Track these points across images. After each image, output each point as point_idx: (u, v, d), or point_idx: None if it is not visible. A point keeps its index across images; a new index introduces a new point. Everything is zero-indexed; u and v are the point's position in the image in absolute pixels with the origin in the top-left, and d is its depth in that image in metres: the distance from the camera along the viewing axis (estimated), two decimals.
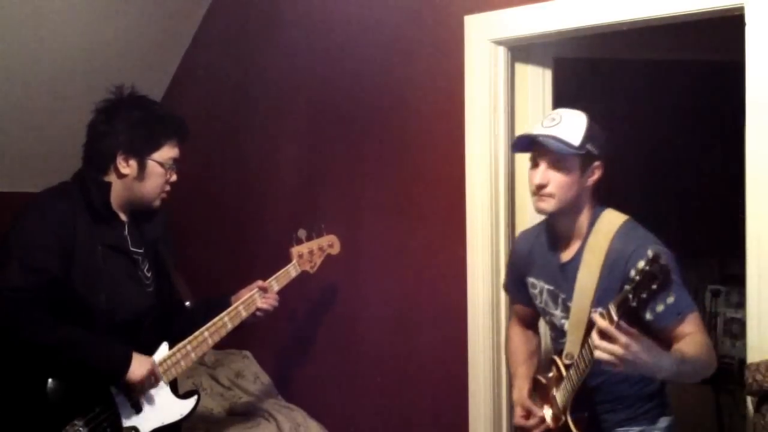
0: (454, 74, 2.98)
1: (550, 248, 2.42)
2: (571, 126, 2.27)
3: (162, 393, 2.43)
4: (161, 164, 2.43)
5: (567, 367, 2.28)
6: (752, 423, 2.25)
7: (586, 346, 2.12)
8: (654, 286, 1.83)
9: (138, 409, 2.37)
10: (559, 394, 2.30)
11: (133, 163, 2.40)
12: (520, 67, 3.02)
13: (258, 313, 2.70)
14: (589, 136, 2.26)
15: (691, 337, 2.11)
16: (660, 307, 1.89)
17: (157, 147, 2.43)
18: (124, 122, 2.40)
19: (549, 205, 2.28)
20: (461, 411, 3.02)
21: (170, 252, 2.62)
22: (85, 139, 2.45)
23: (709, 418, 3.80)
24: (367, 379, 3.35)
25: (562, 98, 3.12)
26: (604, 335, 1.90)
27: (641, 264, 1.83)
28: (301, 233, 2.90)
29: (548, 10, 2.72)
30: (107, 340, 2.31)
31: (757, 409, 2.20)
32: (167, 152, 2.45)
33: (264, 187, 3.73)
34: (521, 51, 2.99)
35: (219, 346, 3.67)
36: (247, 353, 3.71)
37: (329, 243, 2.99)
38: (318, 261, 2.93)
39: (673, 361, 2.01)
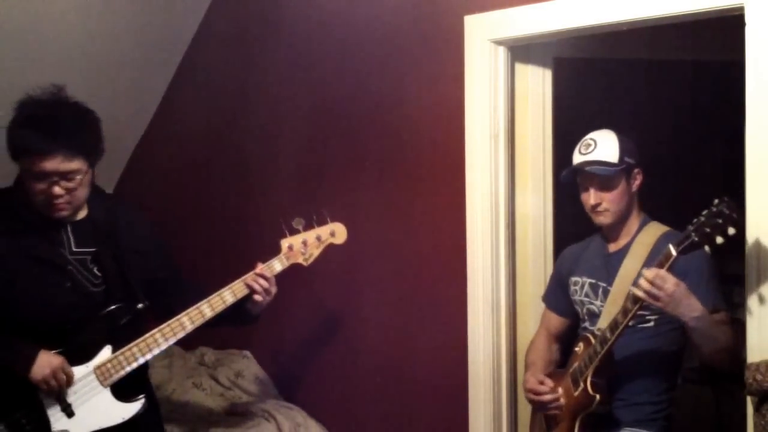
0: (454, 74, 2.98)
1: (598, 246, 2.72)
2: (606, 146, 2.56)
3: (100, 396, 2.36)
4: (23, 173, 2.31)
5: (594, 336, 2.51)
6: (752, 423, 2.26)
7: (617, 316, 2.37)
8: (720, 221, 2.09)
9: (69, 414, 2.31)
10: (582, 360, 2.50)
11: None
12: (520, 67, 3.02)
13: (256, 297, 2.50)
14: (624, 150, 2.56)
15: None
16: (719, 240, 2.11)
17: (14, 156, 2.30)
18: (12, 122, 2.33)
19: (606, 218, 2.61)
20: (461, 411, 3.02)
21: (156, 249, 2.56)
22: None
23: (709, 418, 3.79)
24: (367, 379, 3.34)
25: (562, 98, 3.12)
26: (656, 276, 2.20)
27: (715, 202, 2.12)
28: (297, 223, 2.58)
29: (548, 10, 2.72)
30: (16, 340, 2.28)
31: (757, 409, 2.20)
32: (26, 164, 2.27)
33: (264, 186, 3.72)
34: (521, 51, 2.99)
35: (219, 346, 3.73)
36: (247, 353, 3.70)
37: (330, 231, 2.63)
38: (315, 252, 2.61)
39: (704, 310, 2.28)
